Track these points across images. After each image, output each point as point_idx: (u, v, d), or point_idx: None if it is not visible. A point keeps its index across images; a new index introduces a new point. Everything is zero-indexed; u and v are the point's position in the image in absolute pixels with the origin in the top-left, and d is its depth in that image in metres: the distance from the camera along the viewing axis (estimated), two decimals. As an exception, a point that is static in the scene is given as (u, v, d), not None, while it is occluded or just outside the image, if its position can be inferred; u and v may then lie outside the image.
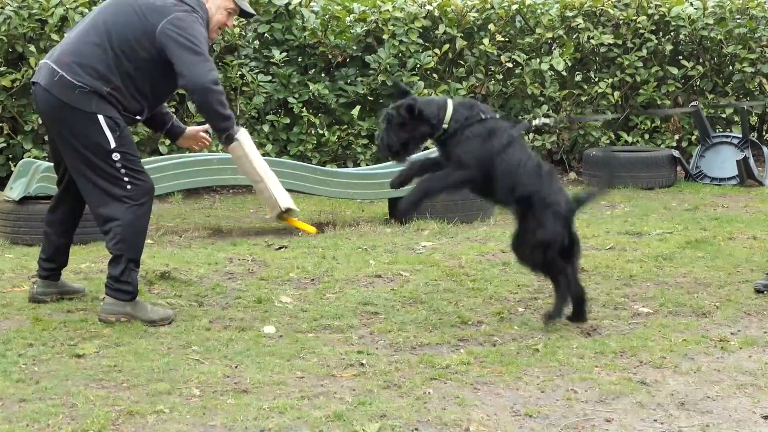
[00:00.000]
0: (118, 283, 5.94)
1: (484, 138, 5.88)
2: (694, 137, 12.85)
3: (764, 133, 13.83)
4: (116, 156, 5.86)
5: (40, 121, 6.23)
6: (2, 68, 10.66)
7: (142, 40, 5.88)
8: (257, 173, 6.12)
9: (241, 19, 11.16)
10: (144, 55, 5.89)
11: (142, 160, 6.67)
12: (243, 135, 6.07)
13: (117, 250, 5.90)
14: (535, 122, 6.55)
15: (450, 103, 5.94)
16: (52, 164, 6.62)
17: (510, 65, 12.26)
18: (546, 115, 11.68)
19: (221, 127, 5.99)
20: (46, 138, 6.45)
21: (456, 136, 5.88)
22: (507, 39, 12.48)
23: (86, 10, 10.92)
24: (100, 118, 5.83)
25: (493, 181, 5.90)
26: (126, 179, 5.89)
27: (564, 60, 12.21)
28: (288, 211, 6.18)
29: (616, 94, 12.70)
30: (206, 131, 6.61)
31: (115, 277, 5.93)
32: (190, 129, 6.59)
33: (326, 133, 11.61)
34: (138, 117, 6.08)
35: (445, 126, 5.88)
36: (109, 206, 5.89)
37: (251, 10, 6.50)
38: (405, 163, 6.10)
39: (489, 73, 12.38)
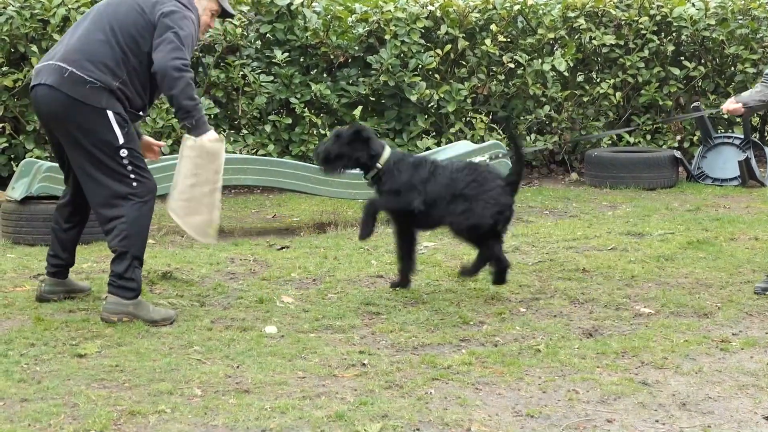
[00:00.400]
0: (122, 280, 5.94)
1: (411, 171, 6.58)
2: (695, 138, 12.85)
3: (766, 134, 13.82)
4: (124, 152, 5.90)
5: (41, 124, 6.18)
6: (4, 68, 10.67)
7: (145, 34, 5.95)
8: (176, 174, 6.09)
9: (232, 21, 11.21)
10: (147, 49, 5.95)
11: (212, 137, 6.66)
12: (200, 143, 5.98)
13: (122, 247, 5.91)
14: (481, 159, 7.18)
15: (387, 149, 6.67)
16: (53, 164, 6.63)
17: (512, 66, 12.27)
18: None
19: (179, 117, 6.01)
20: (47, 138, 6.42)
21: (387, 174, 6.59)
22: (509, 39, 12.48)
23: (87, 10, 10.94)
24: (110, 113, 5.87)
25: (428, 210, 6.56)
26: (132, 176, 5.92)
27: (566, 60, 12.21)
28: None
29: (618, 94, 12.70)
30: (159, 146, 6.65)
31: (119, 274, 5.94)
32: (146, 138, 6.60)
33: (328, 134, 11.59)
34: (141, 113, 6.14)
35: (379, 166, 6.60)
36: (113, 204, 5.90)
37: (232, 11, 6.63)
38: (330, 175, 7.06)
39: (491, 73, 12.39)
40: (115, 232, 5.91)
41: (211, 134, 6.00)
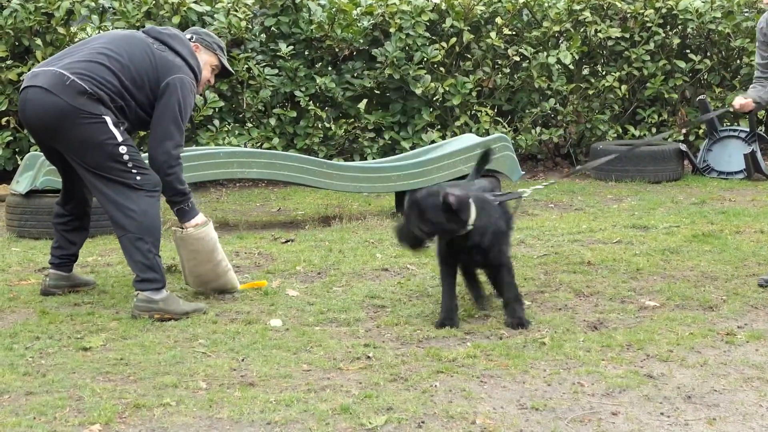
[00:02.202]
0: (145, 272, 5.94)
1: (504, 227, 5.95)
2: (701, 131, 12.83)
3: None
4: (123, 149, 5.93)
5: (26, 125, 6.20)
6: (8, 62, 10.67)
7: (147, 88, 6.07)
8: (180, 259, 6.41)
9: (237, 14, 11.20)
10: (144, 99, 6.08)
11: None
12: (186, 233, 6.26)
13: (138, 234, 5.93)
14: (527, 193, 6.52)
15: (473, 205, 5.68)
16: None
17: (517, 59, 12.26)
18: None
19: (173, 200, 6.21)
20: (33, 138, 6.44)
21: (480, 233, 5.72)
22: (514, 32, 12.47)
23: (92, 4, 10.95)
24: (107, 118, 5.93)
25: None
26: (135, 171, 5.96)
27: (571, 53, 12.20)
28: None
29: (624, 87, 12.69)
30: None
31: (142, 264, 5.94)
32: None
33: (333, 127, 11.61)
34: (126, 121, 6.18)
35: (470, 227, 5.65)
36: (123, 197, 5.93)
37: (232, 70, 6.83)
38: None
39: (496, 66, 12.38)
40: (125, 223, 5.92)
41: (199, 218, 6.29)
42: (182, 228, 6.25)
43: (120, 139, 5.92)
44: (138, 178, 5.96)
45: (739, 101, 6.78)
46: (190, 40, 6.36)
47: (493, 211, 5.84)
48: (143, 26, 9.59)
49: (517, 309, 5.86)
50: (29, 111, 6.00)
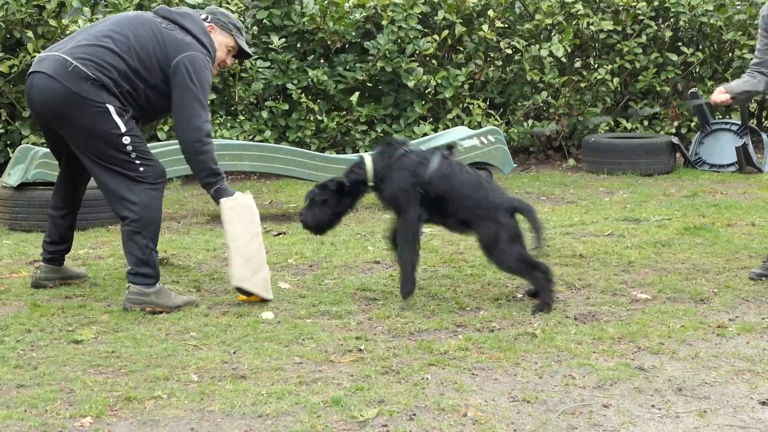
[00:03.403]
0: (140, 266, 5.93)
1: (411, 174, 6.07)
2: (693, 124, 12.84)
3: (763, 120, 13.82)
4: (126, 139, 5.88)
5: (33, 112, 6.14)
6: (0, 54, 10.64)
7: (157, 68, 5.97)
8: (230, 240, 6.14)
9: (230, 6, 11.17)
10: (155, 81, 5.98)
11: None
12: (236, 201, 6.10)
13: (135, 228, 5.90)
14: (462, 143, 6.66)
15: (368, 161, 6.14)
16: (49, 150, 6.61)
17: (509, 51, 12.25)
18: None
19: (207, 182, 6.09)
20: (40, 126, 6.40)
21: (384, 183, 6.11)
22: (506, 25, 12.46)
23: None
24: (110, 107, 5.86)
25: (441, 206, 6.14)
26: (138, 161, 5.92)
27: (563, 46, 12.19)
28: (240, 289, 6.19)
29: (616, 80, 12.69)
30: None
31: (137, 258, 5.93)
32: None
33: (325, 120, 11.60)
34: (131, 109, 6.10)
35: (371, 184, 6.15)
36: (125, 190, 5.90)
37: (249, 51, 6.63)
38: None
39: (488, 59, 12.38)
40: (129, 218, 5.91)
41: (238, 193, 6.14)
42: (229, 199, 6.08)
43: (123, 129, 5.87)
44: (141, 169, 5.93)
45: (717, 97, 6.69)
46: (204, 20, 6.26)
47: (398, 166, 6.07)
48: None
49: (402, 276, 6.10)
50: (35, 97, 5.97)
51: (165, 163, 8.49)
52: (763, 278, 6.62)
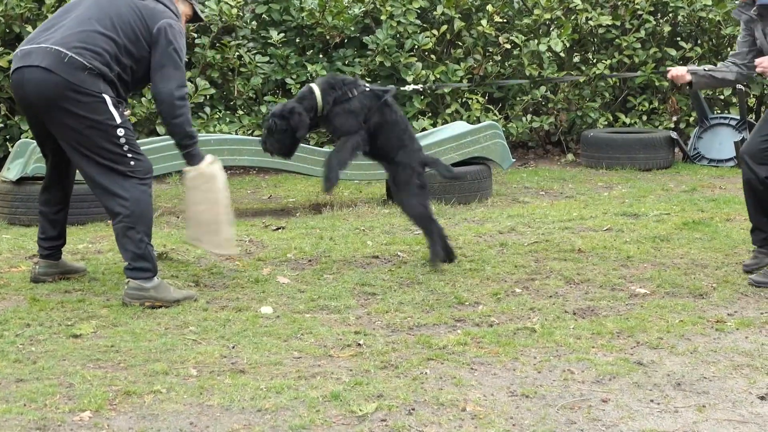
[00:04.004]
0: (137, 261, 5.93)
1: (356, 112, 6.76)
2: (692, 119, 12.84)
3: (762, 115, 13.80)
4: (120, 131, 5.90)
5: (23, 106, 6.13)
6: (0, 48, 10.64)
7: (142, 40, 6.01)
8: (188, 205, 6.31)
9: (228, 1, 11.17)
10: (141, 53, 6.02)
11: (139, 141, 6.73)
12: (198, 172, 6.18)
13: (128, 223, 5.90)
14: (406, 88, 7.50)
15: (316, 89, 6.74)
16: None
17: (508, 46, 12.25)
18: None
19: (182, 144, 6.15)
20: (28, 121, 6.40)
21: (331, 115, 6.74)
22: (505, 20, 12.46)
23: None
24: (106, 97, 5.88)
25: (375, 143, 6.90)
26: (129, 155, 5.94)
27: (562, 41, 12.19)
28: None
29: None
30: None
31: (133, 253, 5.93)
32: None
33: (324, 114, 11.57)
34: (125, 101, 6.16)
35: (320, 114, 6.76)
36: (115, 185, 5.90)
37: (202, 16, 6.72)
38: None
39: (487, 54, 12.37)
40: (119, 211, 5.91)
41: (207, 159, 6.23)
42: (194, 168, 6.19)
43: (118, 120, 5.89)
44: (132, 163, 5.94)
45: (675, 71, 6.85)
46: None
47: (343, 93, 6.75)
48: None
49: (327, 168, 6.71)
50: (28, 91, 5.93)
51: (164, 158, 8.52)
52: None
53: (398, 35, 11.79)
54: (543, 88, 12.43)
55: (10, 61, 10.49)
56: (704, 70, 6.84)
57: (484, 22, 12.02)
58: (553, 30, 12.64)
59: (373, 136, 6.84)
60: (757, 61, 6.58)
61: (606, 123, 12.84)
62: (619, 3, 12.72)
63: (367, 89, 6.83)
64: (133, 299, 5.92)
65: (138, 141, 6.27)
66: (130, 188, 5.92)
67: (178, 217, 8.65)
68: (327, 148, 10.68)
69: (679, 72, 6.83)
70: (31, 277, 6.45)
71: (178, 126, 6.06)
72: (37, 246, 6.51)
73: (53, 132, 6.01)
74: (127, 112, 6.16)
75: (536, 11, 12.38)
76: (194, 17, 6.56)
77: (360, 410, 4.33)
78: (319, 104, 6.68)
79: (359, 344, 5.24)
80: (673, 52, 12.81)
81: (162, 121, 6.15)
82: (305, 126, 6.68)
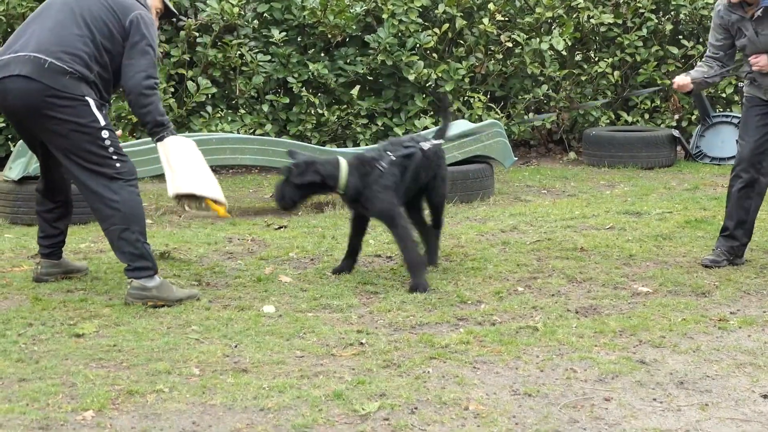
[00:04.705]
0: (138, 260, 5.93)
1: (392, 187, 6.41)
2: (694, 117, 12.83)
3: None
4: (105, 134, 5.92)
5: (8, 115, 6.14)
6: (1, 48, 10.62)
7: (116, 34, 5.99)
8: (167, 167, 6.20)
9: (230, 0, 11.16)
10: (118, 48, 6.01)
11: (141, 140, 6.73)
12: (172, 140, 6.15)
13: (123, 225, 5.90)
14: (426, 145, 6.73)
15: (343, 164, 6.41)
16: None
17: (510, 45, 12.24)
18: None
19: (152, 132, 6.12)
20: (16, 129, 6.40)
21: (363, 196, 6.41)
22: (507, 18, 12.45)
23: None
24: (90, 100, 5.89)
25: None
26: (115, 158, 5.94)
27: (564, 39, 12.18)
28: (191, 197, 6.22)
29: (616, 73, 12.68)
30: None
31: (134, 254, 5.93)
32: None
33: (326, 113, 11.59)
34: (107, 103, 6.17)
35: (341, 192, 6.44)
36: (104, 190, 5.90)
37: (175, 11, 6.67)
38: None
39: (489, 52, 12.36)
40: (110, 214, 5.90)
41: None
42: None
43: (102, 123, 5.90)
44: (117, 165, 5.94)
45: (680, 80, 6.94)
46: None
47: (372, 170, 6.40)
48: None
49: (414, 273, 6.32)
50: (11, 101, 5.91)
51: (148, 160, 8.49)
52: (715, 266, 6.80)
53: (400, 34, 11.78)
54: (545, 87, 12.41)
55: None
56: (704, 77, 6.99)
57: (485, 20, 12.01)
58: (554, 28, 12.63)
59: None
60: (753, 59, 6.67)
61: (608, 121, 12.83)
62: (621, 1, 12.72)
63: (394, 158, 6.46)
64: (136, 299, 5.92)
65: (139, 141, 6.26)
66: (119, 190, 5.92)
67: (180, 216, 8.65)
68: (329, 147, 10.68)
69: (683, 81, 6.94)
70: (34, 277, 6.45)
71: (148, 115, 6.02)
72: (38, 246, 6.51)
73: (41, 138, 6.02)
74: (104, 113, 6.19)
75: (538, 9, 12.37)
76: (166, 12, 6.50)
77: (363, 409, 4.33)
78: (343, 176, 6.36)
79: (362, 343, 5.24)
80: (675, 50, 12.80)
81: (132, 110, 6.13)
82: (310, 185, 6.37)
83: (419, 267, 6.32)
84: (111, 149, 5.93)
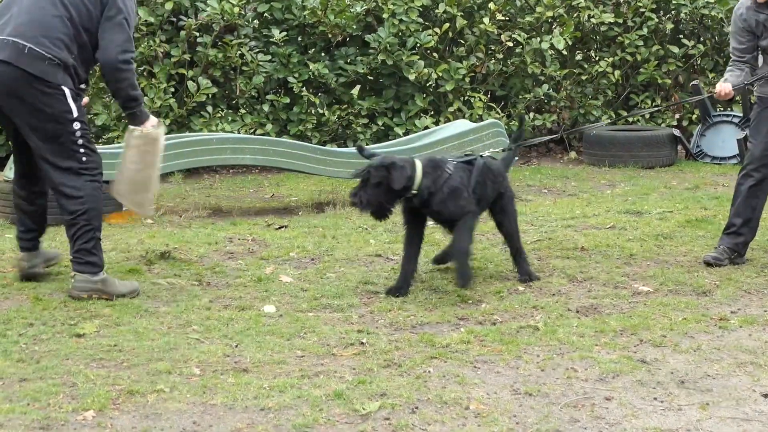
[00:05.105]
0: (89, 256, 5.99)
1: (462, 190, 6.15)
2: (694, 116, 12.82)
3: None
4: (77, 125, 5.95)
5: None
6: None
7: (93, 10, 5.97)
8: (124, 162, 6.24)
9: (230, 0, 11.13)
10: (97, 25, 5.99)
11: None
12: (142, 133, 6.14)
13: (84, 221, 5.96)
14: (486, 154, 6.66)
15: (418, 163, 6.10)
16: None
17: (510, 44, 12.23)
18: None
19: (125, 106, 6.13)
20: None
21: (435, 198, 6.08)
22: (507, 18, 12.45)
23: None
24: (66, 89, 5.90)
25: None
26: (82, 150, 5.97)
27: (564, 39, 12.18)
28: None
29: (617, 73, 12.67)
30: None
31: (87, 250, 5.99)
32: None
33: (326, 113, 11.59)
34: (84, 86, 6.16)
35: (414, 192, 6.06)
36: (68, 184, 5.95)
37: None
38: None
39: (489, 52, 12.36)
40: (76, 209, 5.95)
41: (152, 120, 6.20)
42: (140, 128, 6.15)
43: (75, 114, 5.93)
44: (84, 159, 5.97)
45: (722, 88, 6.90)
46: None
47: (442, 172, 6.10)
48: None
49: (459, 268, 6.14)
50: None
51: (167, 156, 8.46)
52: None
53: (400, 33, 11.78)
54: (545, 86, 12.41)
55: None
56: (742, 81, 6.98)
57: (486, 20, 12.00)
58: (555, 27, 12.63)
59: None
60: None
61: (609, 121, 12.81)
62: (622, 0, 12.71)
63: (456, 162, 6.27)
64: (83, 291, 5.99)
65: (153, 121, 6.23)
66: (82, 186, 5.96)
67: (180, 216, 8.64)
68: (329, 147, 10.68)
69: (726, 89, 6.90)
70: (22, 274, 6.43)
71: (122, 90, 6.03)
72: (18, 241, 6.49)
73: (16, 123, 6.02)
74: (84, 101, 6.19)
75: (538, 9, 12.36)
76: None
77: (363, 409, 4.33)
78: (418, 177, 6.02)
79: (362, 343, 5.24)
80: (675, 49, 12.79)
81: (106, 84, 6.12)
82: (402, 183, 5.96)
83: (464, 257, 6.12)
84: (80, 141, 5.96)
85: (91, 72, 6.29)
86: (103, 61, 5.99)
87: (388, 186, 5.96)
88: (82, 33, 5.96)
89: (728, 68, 7.08)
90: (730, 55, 7.07)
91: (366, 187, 5.98)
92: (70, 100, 5.92)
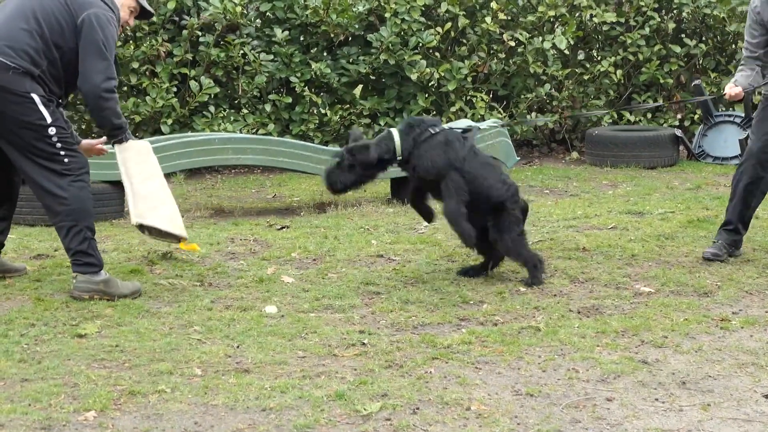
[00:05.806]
0: (85, 257, 5.99)
1: (443, 149, 6.34)
2: (696, 116, 12.82)
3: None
4: (52, 130, 5.93)
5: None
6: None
7: (68, 30, 5.95)
8: (125, 180, 6.23)
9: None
10: (71, 44, 5.97)
11: (146, 140, 6.72)
12: (130, 145, 6.17)
13: (71, 221, 5.96)
14: (484, 125, 6.71)
15: (395, 133, 6.38)
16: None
17: (512, 44, 12.23)
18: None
19: (110, 135, 6.16)
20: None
21: (415, 155, 6.34)
22: (509, 17, 12.44)
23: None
24: (34, 96, 5.89)
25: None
26: (63, 153, 5.97)
27: (566, 38, 12.18)
28: (148, 229, 6.29)
29: (619, 72, 12.67)
30: (104, 143, 6.61)
31: (81, 251, 5.99)
32: (86, 142, 6.54)
33: (328, 113, 11.60)
34: (60, 101, 6.13)
35: (399, 157, 6.36)
36: (53, 187, 5.95)
37: (151, 10, 6.61)
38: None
39: (491, 51, 12.36)
40: (60, 210, 5.97)
41: (140, 143, 6.31)
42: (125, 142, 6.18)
43: (49, 119, 5.91)
44: (66, 160, 5.96)
45: (731, 90, 6.88)
46: None
47: (422, 131, 6.37)
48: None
49: (456, 230, 6.29)
50: None
51: (169, 156, 8.51)
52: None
53: (402, 33, 11.78)
54: (547, 86, 12.40)
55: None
56: (750, 84, 6.96)
57: (488, 19, 12.00)
58: (557, 27, 12.62)
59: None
60: None
61: (610, 121, 12.82)
62: (624, 0, 12.70)
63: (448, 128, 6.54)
64: (84, 292, 5.99)
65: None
66: (67, 186, 5.96)
67: (182, 216, 8.62)
68: (332, 147, 10.68)
69: (735, 91, 6.90)
70: None
71: (105, 119, 6.04)
72: None
73: None
74: (65, 113, 6.19)
75: (540, 8, 12.36)
76: (142, 12, 6.44)
77: (364, 409, 4.33)
78: (398, 145, 6.33)
79: (364, 343, 5.24)
80: (677, 48, 12.78)
81: (90, 113, 6.12)
82: (370, 165, 6.32)
83: (458, 226, 6.25)
84: (59, 145, 5.95)
85: (72, 94, 6.24)
86: (84, 91, 5.99)
87: (359, 168, 6.33)
88: (53, 49, 5.94)
89: (739, 67, 7.05)
90: (743, 50, 7.05)
91: (338, 169, 6.37)
92: (41, 107, 5.89)
